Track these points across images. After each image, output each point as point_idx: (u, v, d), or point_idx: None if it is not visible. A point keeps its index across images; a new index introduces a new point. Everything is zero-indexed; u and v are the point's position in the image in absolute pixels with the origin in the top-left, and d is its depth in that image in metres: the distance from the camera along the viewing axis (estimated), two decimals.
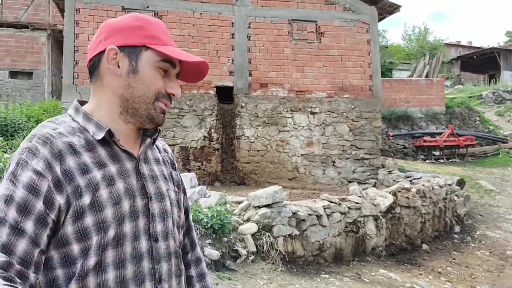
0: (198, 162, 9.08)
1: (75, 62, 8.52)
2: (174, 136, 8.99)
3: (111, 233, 0.97)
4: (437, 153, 14.49)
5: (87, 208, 0.95)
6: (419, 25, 54.22)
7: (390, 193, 6.17)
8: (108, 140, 1.02)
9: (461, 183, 8.66)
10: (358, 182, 9.46)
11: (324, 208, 5.12)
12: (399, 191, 6.32)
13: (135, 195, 1.03)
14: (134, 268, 0.99)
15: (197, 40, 9.17)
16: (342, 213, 5.37)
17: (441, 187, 7.29)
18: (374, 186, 9.69)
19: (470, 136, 14.67)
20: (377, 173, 9.85)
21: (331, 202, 5.35)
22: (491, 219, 8.28)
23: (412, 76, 17.15)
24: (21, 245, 0.87)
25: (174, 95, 1.07)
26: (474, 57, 39.34)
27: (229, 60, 9.35)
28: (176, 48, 1.07)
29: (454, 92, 22.50)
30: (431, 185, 7.07)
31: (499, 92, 20.02)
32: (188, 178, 6.20)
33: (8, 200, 0.90)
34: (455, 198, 7.81)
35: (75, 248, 0.94)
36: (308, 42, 9.81)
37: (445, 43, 39.63)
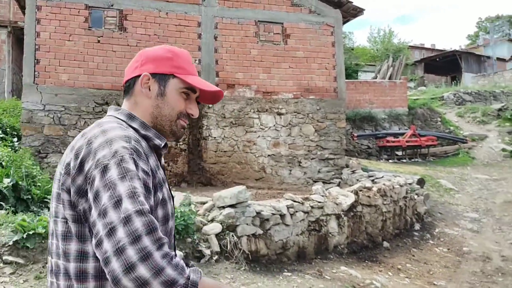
0: (165, 163, 9.03)
1: (36, 61, 8.32)
2: None
3: (170, 224, 1.22)
4: (399, 153, 14.91)
5: (159, 203, 1.16)
6: (384, 28, 55.48)
7: (352, 192, 6.34)
8: (160, 149, 1.26)
9: (421, 182, 8.96)
10: (323, 182, 9.64)
11: (288, 208, 5.22)
12: (360, 190, 6.50)
13: (171, 196, 1.27)
14: None
15: (163, 39, 9.12)
16: (305, 212, 5.48)
17: (401, 186, 7.53)
18: (338, 185, 9.89)
19: (432, 136, 15.17)
20: (342, 173, 10.06)
21: (294, 201, 5.45)
22: (450, 217, 8.60)
23: (376, 78, 17.57)
24: (159, 229, 1.04)
25: (192, 115, 1.29)
26: (437, 59, 40.61)
27: (195, 60, 9.34)
28: (198, 77, 1.29)
29: (418, 93, 23.18)
30: (392, 184, 7.29)
31: (460, 94, 20.77)
32: None
33: (137, 193, 1.04)
34: (415, 196, 8.08)
35: None
36: (275, 44, 9.92)
37: (409, 46, 40.70)
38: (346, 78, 16.25)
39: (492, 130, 16.82)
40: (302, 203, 5.49)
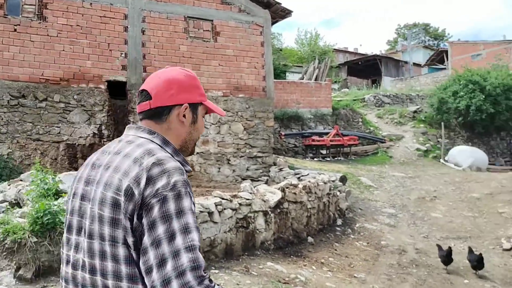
0: None
1: None
2: (59, 133, 8.44)
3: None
4: (324, 151, 15.47)
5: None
6: (311, 31, 57.21)
7: (279, 189, 6.47)
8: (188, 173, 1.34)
9: (343, 179, 9.36)
10: (251, 180, 9.75)
11: (216, 205, 5.21)
12: (287, 187, 6.66)
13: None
14: None
15: (87, 31, 8.71)
16: (233, 209, 5.50)
17: (325, 183, 7.82)
18: (266, 183, 10.06)
19: (354, 136, 15.92)
20: (269, 171, 10.24)
21: (223, 199, 5.46)
22: (369, 213, 9.07)
23: (303, 79, 18.08)
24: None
25: (202, 133, 1.49)
26: (359, 63, 42.67)
27: (122, 54, 9.03)
28: (211, 102, 1.45)
29: (341, 95, 24.19)
30: (317, 182, 7.55)
31: (380, 96, 21.99)
32: (73, 178, 5.85)
33: (189, 229, 1.16)
34: (338, 193, 8.44)
35: None
36: (204, 41, 9.86)
37: (334, 49, 42.26)
38: (275, 78, 16.52)
39: (408, 131, 18.00)
40: (231, 201, 5.51)
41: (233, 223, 5.44)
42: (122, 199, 1.17)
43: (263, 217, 5.86)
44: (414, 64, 43.93)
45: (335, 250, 6.54)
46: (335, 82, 31.61)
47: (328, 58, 18.93)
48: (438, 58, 43.45)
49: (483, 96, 17.03)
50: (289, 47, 37.81)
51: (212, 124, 9.83)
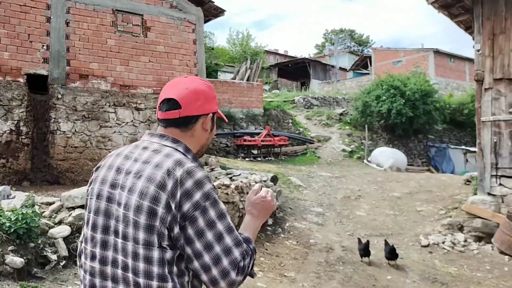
0: (3, 159, 7.97)
1: None
2: None
3: None
4: (255, 151, 15.61)
5: None
6: (242, 31, 57.54)
7: None
8: None
9: (274, 179, 9.48)
10: None
11: None
12: (219, 188, 6.60)
13: None
14: None
15: (4, 20, 8.04)
16: None
17: (256, 183, 7.87)
18: None
19: (284, 136, 16.22)
20: None
21: None
22: (298, 212, 9.26)
23: (235, 79, 18.11)
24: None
25: None
26: (289, 65, 43.64)
27: (43, 46, 8.44)
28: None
29: (272, 96, 24.58)
30: (249, 182, 7.57)
31: (308, 98, 22.63)
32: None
33: (231, 227, 1.40)
34: None
35: None
36: (134, 35, 9.51)
37: (265, 50, 42.78)
38: (207, 77, 16.36)
39: (335, 132, 18.69)
40: None
41: None
42: (159, 210, 1.32)
43: None
44: (341, 68, 45.77)
45: (266, 249, 6.58)
46: (266, 83, 31.99)
47: (260, 59, 19.12)
48: (362, 64, 45.59)
49: (403, 101, 18.12)
50: (220, 46, 37.67)
51: (141, 122, 9.52)
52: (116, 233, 1.39)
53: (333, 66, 45.01)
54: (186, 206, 1.31)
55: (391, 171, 15.32)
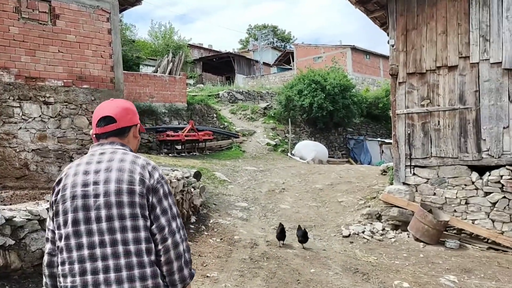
0: None
1: None
2: None
3: None
4: (179, 147, 15.18)
5: None
6: (165, 24, 55.87)
7: None
8: None
9: (197, 175, 9.20)
10: None
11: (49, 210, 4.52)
12: None
13: None
14: None
15: None
16: None
17: (178, 180, 7.55)
18: None
19: (209, 131, 15.94)
20: None
21: None
22: (223, 207, 9.07)
23: (156, 72, 17.47)
24: None
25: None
26: (214, 59, 43.30)
27: None
28: None
29: (196, 90, 24.13)
30: (170, 179, 7.23)
31: (233, 93, 22.49)
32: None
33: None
34: (192, 189, 8.23)
35: None
36: (41, 23, 8.69)
37: (189, 44, 42.06)
38: (128, 70, 15.63)
39: (259, 126, 18.74)
40: None
41: None
42: (136, 187, 1.75)
43: None
44: (264, 63, 46.28)
45: None
46: (191, 77, 31.42)
47: (183, 52, 18.61)
48: (285, 59, 46.47)
49: (324, 95, 18.61)
50: (142, 39, 36.33)
51: (51, 117, 8.76)
52: (98, 219, 1.71)
53: (257, 61, 45.38)
54: (151, 181, 1.79)
55: (314, 164, 15.66)
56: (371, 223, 8.40)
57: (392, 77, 8.91)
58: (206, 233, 7.28)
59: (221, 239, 7.04)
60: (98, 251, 1.69)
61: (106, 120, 1.90)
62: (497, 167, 7.79)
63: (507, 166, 7.67)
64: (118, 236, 1.69)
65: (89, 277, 1.68)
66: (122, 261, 1.68)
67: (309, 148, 16.72)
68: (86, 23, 9.19)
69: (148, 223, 1.74)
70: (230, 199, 9.82)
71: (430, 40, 8.43)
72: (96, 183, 1.74)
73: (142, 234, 1.72)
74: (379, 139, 21.44)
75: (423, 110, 8.49)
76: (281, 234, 6.91)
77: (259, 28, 66.38)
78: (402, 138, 8.71)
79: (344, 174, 12.11)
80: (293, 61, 41.34)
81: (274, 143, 17.20)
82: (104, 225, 1.70)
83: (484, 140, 7.91)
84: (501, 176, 7.69)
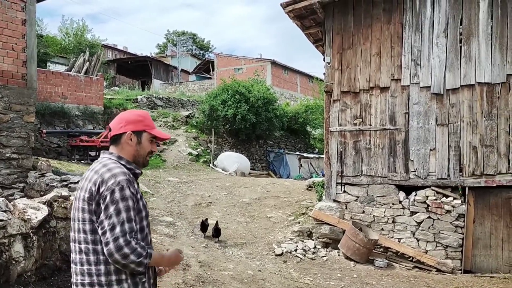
0: None
1: None
2: None
3: (147, 221, 2.17)
4: (93, 153, 14.04)
5: (140, 209, 2.09)
6: (78, 20, 52.51)
7: (45, 203, 5.16)
8: (137, 175, 2.20)
9: None
10: (2, 187, 7.84)
11: None
12: (55, 201, 5.38)
13: (145, 204, 2.20)
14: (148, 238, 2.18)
15: None
16: None
17: None
18: (22, 191, 8.28)
19: None
20: (27, 176, 8.46)
21: None
22: None
23: (70, 71, 16.10)
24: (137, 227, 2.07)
25: (154, 151, 2.26)
26: (129, 62, 41.56)
27: None
28: (159, 130, 2.28)
29: (111, 93, 22.75)
30: None
31: (152, 98, 21.54)
32: None
33: (129, 208, 2.00)
34: None
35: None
36: None
37: (103, 44, 40.01)
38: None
39: (181, 135, 18.07)
40: None
41: None
42: (87, 195, 2.00)
43: (22, 241, 4.51)
44: (183, 70, 45.45)
45: None
46: (105, 79, 29.68)
47: (101, 52, 17.40)
48: (205, 67, 46.07)
49: (248, 107, 18.50)
50: (51, 35, 33.72)
51: None
52: (74, 219, 2.07)
53: (175, 67, 44.39)
54: (102, 189, 1.97)
55: (237, 176, 15.38)
56: (303, 241, 8.26)
57: (326, 94, 8.93)
58: None
59: None
60: (73, 245, 2.07)
61: (109, 129, 2.22)
62: (423, 187, 8.09)
63: (432, 187, 7.99)
64: (76, 235, 2.03)
65: (72, 266, 2.09)
66: (77, 256, 2.02)
67: (232, 160, 16.43)
68: None
69: (97, 226, 1.98)
70: (153, 213, 9.13)
71: (365, 60, 8.59)
72: (81, 189, 2.08)
73: (89, 236, 1.99)
74: (298, 152, 21.82)
75: (355, 129, 8.60)
76: (216, 232, 8.01)
77: (178, 34, 65.32)
78: (334, 155, 8.73)
79: (270, 188, 11.96)
80: (213, 70, 41.03)
81: (197, 153, 16.65)
82: (75, 224, 2.05)
83: (412, 160, 8.18)
84: (427, 196, 7.98)
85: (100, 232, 1.93)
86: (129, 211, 1.94)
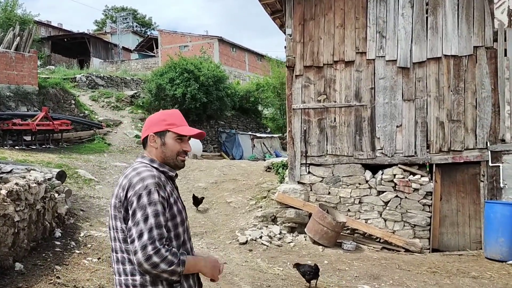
0: None
1: None
2: None
3: (186, 224, 1.98)
4: (29, 138, 12.72)
5: (175, 213, 1.90)
6: None
7: None
8: (173, 177, 2.04)
9: (61, 175, 7.45)
10: None
11: None
12: None
13: (184, 207, 2.03)
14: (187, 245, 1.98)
15: None
16: None
17: (39, 184, 5.84)
18: None
19: (66, 120, 13.73)
20: None
21: None
22: (93, 214, 7.52)
23: None
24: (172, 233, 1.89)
25: (188, 150, 2.05)
26: (65, 39, 38.97)
27: None
28: (185, 126, 2.04)
29: (46, 72, 20.97)
30: (28, 183, 5.51)
31: (92, 77, 20.05)
32: None
33: (158, 213, 1.80)
34: (56, 195, 6.54)
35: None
36: None
37: (36, 21, 37.09)
38: None
39: (126, 116, 16.93)
40: None
41: None
42: (117, 201, 1.87)
43: None
44: (124, 48, 43.22)
45: (58, 277, 4.78)
46: (39, 57, 27.44)
47: (33, 26, 15.75)
48: (148, 45, 44.10)
49: (198, 86, 17.60)
50: None
51: None
52: (110, 228, 1.96)
53: (116, 45, 42.11)
54: (129, 194, 1.82)
55: (189, 158, 14.59)
56: (267, 226, 7.75)
57: (288, 69, 8.35)
58: (78, 251, 5.75)
59: (98, 258, 5.61)
60: (111, 254, 1.98)
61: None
62: (390, 165, 7.79)
63: (399, 165, 7.72)
64: (113, 244, 1.94)
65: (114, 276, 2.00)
66: (115, 266, 1.93)
67: None
68: None
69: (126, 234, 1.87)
70: (100, 202, 8.27)
71: (328, 32, 8.07)
72: (112, 195, 1.98)
73: (123, 245, 1.87)
74: (250, 133, 21.26)
75: (319, 106, 8.11)
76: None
77: (117, 10, 62.09)
78: (298, 135, 8.23)
79: (227, 171, 11.33)
80: (157, 48, 39.33)
81: None
82: (111, 232, 1.97)
83: (379, 138, 7.85)
84: (394, 175, 7.70)
85: (129, 240, 1.80)
86: (158, 216, 1.78)
